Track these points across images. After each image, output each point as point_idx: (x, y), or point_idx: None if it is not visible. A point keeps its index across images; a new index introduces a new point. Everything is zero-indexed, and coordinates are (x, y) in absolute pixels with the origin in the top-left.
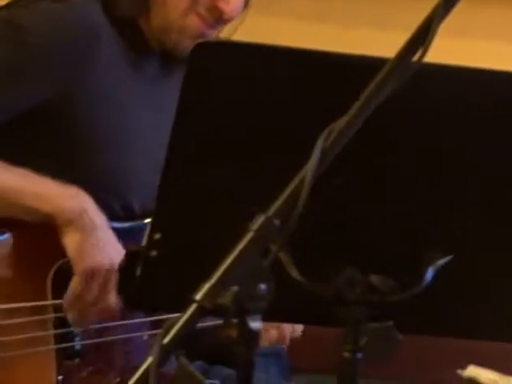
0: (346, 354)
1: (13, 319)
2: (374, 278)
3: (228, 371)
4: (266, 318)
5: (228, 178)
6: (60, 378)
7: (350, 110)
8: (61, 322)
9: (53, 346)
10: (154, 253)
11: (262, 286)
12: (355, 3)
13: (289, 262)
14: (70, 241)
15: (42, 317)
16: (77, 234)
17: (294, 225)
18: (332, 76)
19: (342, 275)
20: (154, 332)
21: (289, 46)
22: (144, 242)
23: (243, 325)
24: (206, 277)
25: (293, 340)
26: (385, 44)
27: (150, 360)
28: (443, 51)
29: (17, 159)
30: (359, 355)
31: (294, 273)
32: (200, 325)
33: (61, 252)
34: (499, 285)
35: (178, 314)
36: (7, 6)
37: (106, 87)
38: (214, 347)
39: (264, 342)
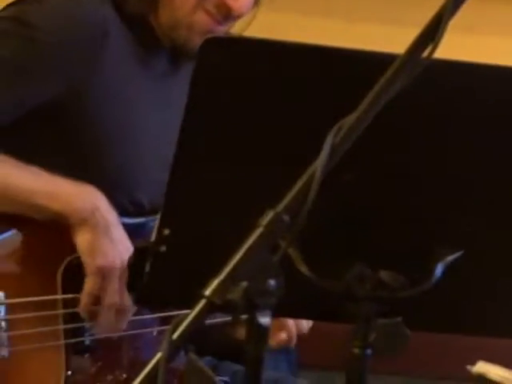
0: (356, 350)
1: (23, 314)
2: (384, 274)
3: (237, 367)
4: (276, 313)
5: (237, 174)
6: (69, 373)
7: (360, 106)
8: (70, 318)
9: (62, 341)
10: (163, 248)
11: (272, 282)
12: None
13: (298, 258)
14: (82, 240)
15: (51, 312)
16: (89, 233)
17: (304, 221)
18: (342, 71)
19: (352, 271)
20: (163, 328)
21: (297, 41)
22: (153, 237)
23: (253, 320)
24: (216, 272)
25: (300, 336)
26: (392, 40)
27: (159, 355)
28: (452, 47)
29: (27, 157)
30: (368, 351)
31: (304, 269)
32: (209, 321)
33: (70, 247)
34: (508, 281)
35: (187, 310)
36: (16, 2)
37: (114, 84)
38: (224, 343)
39: (272, 342)
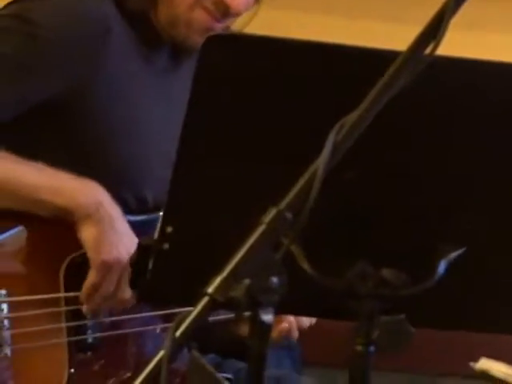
0: (358, 348)
1: (25, 312)
2: (386, 272)
3: (241, 364)
4: (278, 311)
5: (239, 171)
6: (72, 370)
7: (362, 104)
8: (73, 315)
9: (65, 339)
10: (166, 246)
11: (274, 279)
12: None
13: (301, 256)
14: (87, 235)
15: (54, 309)
16: (93, 228)
17: (306, 218)
18: (344, 69)
19: (354, 269)
20: (166, 325)
21: (299, 38)
22: (156, 235)
23: (255, 318)
24: (218, 270)
25: (301, 332)
26: (393, 37)
27: (161, 353)
28: (454, 44)
29: (31, 153)
30: (371, 348)
31: (306, 266)
32: (212, 318)
33: (73, 245)
34: (510, 278)
35: (190, 308)
36: (17, 0)
37: (117, 80)
38: (227, 340)
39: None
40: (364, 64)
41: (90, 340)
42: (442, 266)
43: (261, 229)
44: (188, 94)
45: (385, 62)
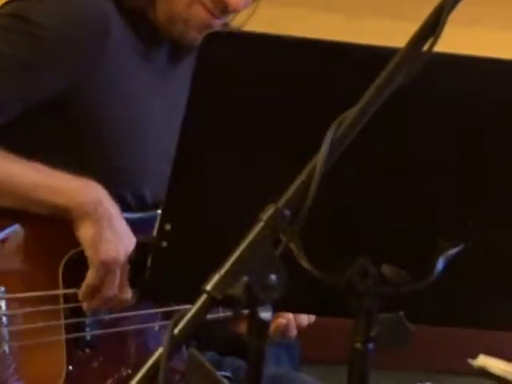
0: (358, 345)
1: (24, 309)
2: (386, 269)
3: (240, 362)
4: (278, 308)
5: (238, 168)
6: (70, 368)
7: (361, 100)
8: (72, 313)
9: (63, 336)
10: (164, 244)
11: (273, 277)
12: None
13: (300, 253)
14: (85, 233)
15: (53, 307)
16: (92, 227)
17: (305, 215)
18: (344, 66)
19: (354, 266)
20: (165, 323)
21: (299, 36)
22: (155, 232)
23: (254, 315)
24: (217, 267)
25: (300, 330)
26: (395, 34)
27: (160, 350)
28: (454, 41)
29: (30, 152)
30: (370, 346)
31: (305, 263)
32: (211, 316)
33: (71, 242)
34: (509, 275)
35: (188, 305)
36: None
37: (117, 78)
38: (226, 338)
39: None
40: (363, 61)
41: (88, 337)
42: (440, 263)
43: (259, 226)
44: (187, 91)
45: (384, 58)
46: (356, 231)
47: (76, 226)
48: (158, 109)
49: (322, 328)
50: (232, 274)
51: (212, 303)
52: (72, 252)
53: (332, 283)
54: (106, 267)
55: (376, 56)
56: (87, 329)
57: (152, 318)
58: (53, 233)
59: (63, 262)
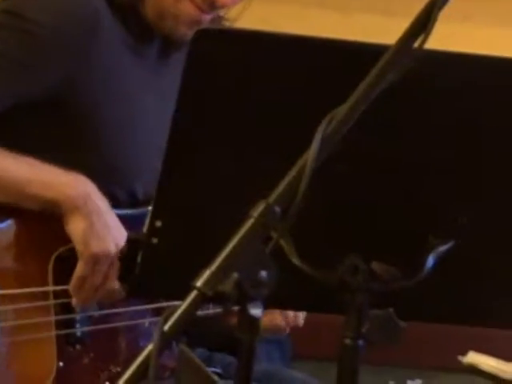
0: (348, 341)
1: (14, 305)
2: (376, 266)
3: (230, 359)
4: (268, 304)
5: (229, 164)
6: (61, 364)
7: (351, 97)
8: (62, 309)
9: (54, 333)
10: (154, 240)
11: (264, 273)
12: None
13: (290, 249)
14: (75, 227)
15: (43, 303)
16: (82, 221)
17: (295, 212)
18: (335, 63)
19: (345, 262)
20: (155, 319)
21: (290, 33)
22: (145, 229)
23: (244, 312)
24: (207, 264)
25: (293, 328)
26: (386, 30)
27: (150, 347)
28: (447, 37)
29: (22, 148)
30: (361, 342)
31: (296, 260)
32: (202, 312)
33: (62, 239)
34: (499, 272)
35: (179, 302)
36: None
37: (109, 73)
38: (217, 335)
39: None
40: (356, 58)
41: (78, 334)
42: (430, 260)
43: (250, 222)
44: (178, 87)
45: (378, 55)
46: (347, 228)
47: (66, 221)
48: (150, 104)
49: (313, 324)
50: (222, 271)
51: (202, 299)
52: (62, 248)
53: (322, 280)
54: (96, 260)
55: (367, 53)
56: (77, 325)
57: (142, 314)
58: (44, 229)
59: (53, 259)
